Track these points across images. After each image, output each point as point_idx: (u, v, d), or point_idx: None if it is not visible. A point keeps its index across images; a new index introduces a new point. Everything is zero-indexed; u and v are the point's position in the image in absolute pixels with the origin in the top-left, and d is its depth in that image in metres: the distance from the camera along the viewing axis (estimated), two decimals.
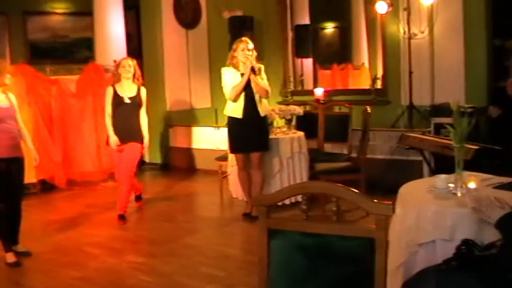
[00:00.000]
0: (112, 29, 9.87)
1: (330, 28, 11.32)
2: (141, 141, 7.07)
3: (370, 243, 2.38)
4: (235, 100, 6.53)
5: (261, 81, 6.54)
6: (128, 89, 7.03)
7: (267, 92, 6.55)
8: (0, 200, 5.61)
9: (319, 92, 9.18)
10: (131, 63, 7.09)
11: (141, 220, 7.43)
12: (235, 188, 7.42)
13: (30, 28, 12.07)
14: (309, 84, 10.61)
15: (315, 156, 7.38)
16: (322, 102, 8.72)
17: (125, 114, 6.97)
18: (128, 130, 6.97)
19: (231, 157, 7.22)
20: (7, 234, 5.73)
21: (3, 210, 5.63)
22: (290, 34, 10.43)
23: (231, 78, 6.56)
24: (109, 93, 7.05)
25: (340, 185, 2.44)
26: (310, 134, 7.49)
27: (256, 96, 6.52)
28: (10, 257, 5.63)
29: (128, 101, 6.98)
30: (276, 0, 10.31)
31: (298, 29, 10.40)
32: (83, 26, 12.14)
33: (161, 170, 10.54)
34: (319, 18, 10.89)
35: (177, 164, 10.52)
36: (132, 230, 6.85)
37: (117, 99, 6.98)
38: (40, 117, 8.47)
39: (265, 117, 6.70)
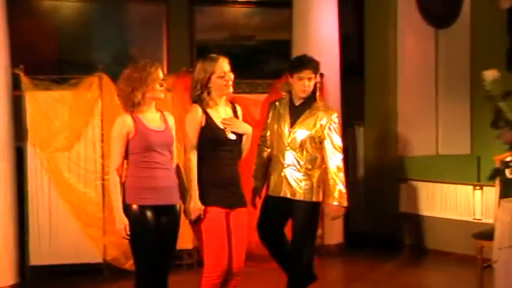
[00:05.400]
0: (320, 28, 8.29)
1: None
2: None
3: None
4: None
5: None
6: (224, 115, 5.32)
7: None
8: (143, 268, 4.76)
9: None
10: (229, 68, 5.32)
11: None
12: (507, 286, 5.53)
13: (198, 23, 9.94)
14: None
15: None
16: None
17: (228, 160, 5.22)
18: (235, 186, 5.21)
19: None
20: None
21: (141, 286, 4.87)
22: None
23: None
24: (196, 119, 5.11)
25: None
26: None
27: None
28: None
29: (232, 137, 5.23)
30: None
31: None
32: (275, 23, 10.18)
33: (382, 245, 8.33)
34: None
35: (406, 239, 8.57)
36: None
37: (213, 132, 5.12)
38: None
39: None
